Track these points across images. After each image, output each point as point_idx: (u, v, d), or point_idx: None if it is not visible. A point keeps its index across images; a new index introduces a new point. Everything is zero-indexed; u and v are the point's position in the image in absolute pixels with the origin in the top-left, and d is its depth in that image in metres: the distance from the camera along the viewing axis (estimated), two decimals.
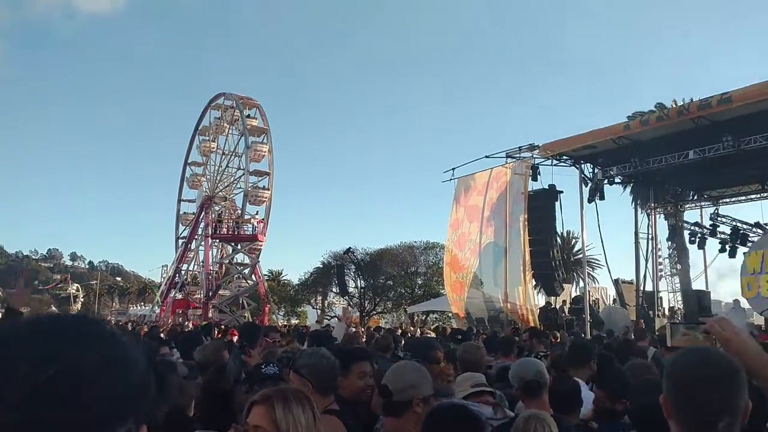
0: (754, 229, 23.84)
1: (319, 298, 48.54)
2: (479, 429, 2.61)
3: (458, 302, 23.83)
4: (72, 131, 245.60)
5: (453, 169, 24.26)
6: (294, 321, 43.22)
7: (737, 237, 23.72)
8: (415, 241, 44.73)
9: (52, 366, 0.70)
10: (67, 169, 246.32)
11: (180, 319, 38.78)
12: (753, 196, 24.49)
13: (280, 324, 26.42)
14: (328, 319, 32.72)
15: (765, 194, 23.90)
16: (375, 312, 43.14)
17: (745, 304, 18.65)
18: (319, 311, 46.85)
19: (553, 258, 22.15)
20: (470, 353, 4.61)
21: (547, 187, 22.13)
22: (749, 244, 22.08)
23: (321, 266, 46.17)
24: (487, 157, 23.04)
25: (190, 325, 24.98)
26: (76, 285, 74.10)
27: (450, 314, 30.65)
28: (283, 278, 55.85)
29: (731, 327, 1.81)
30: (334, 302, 47.59)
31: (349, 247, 38.41)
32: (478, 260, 23.60)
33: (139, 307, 66.79)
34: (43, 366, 0.70)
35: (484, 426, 2.74)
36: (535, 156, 22.07)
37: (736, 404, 1.65)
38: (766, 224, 23.13)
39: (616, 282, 24.68)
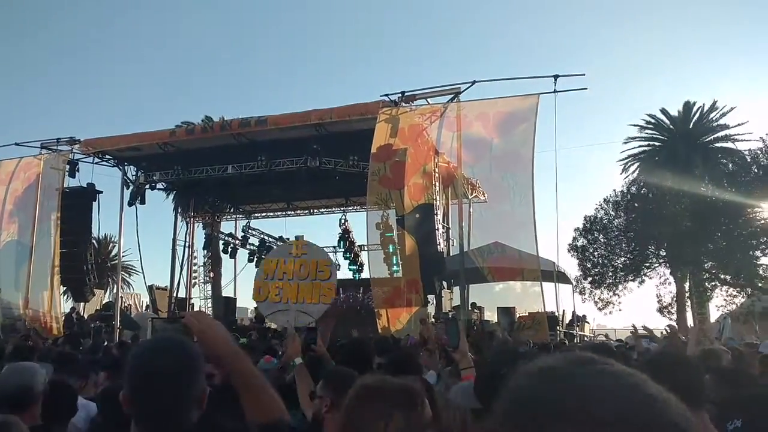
0: (277, 243, 26.97)
1: None
2: None
3: None
4: None
5: None
6: None
7: (264, 248, 26.43)
8: None
9: None
10: None
11: None
12: (279, 213, 27.63)
13: None
14: None
15: (289, 212, 27.30)
16: None
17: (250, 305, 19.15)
18: None
19: (87, 261, 20.84)
20: None
21: (85, 186, 20.72)
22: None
23: None
24: (17, 144, 20.61)
25: None
26: None
27: None
28: None
29: (206, 320, 1.85)
30: None
31: None
32: None
33: None
34: None
35: None
36: (75, 151, 20.52)
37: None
38: (287, 238, 26.37)
39: (150, 288, 24.49)
